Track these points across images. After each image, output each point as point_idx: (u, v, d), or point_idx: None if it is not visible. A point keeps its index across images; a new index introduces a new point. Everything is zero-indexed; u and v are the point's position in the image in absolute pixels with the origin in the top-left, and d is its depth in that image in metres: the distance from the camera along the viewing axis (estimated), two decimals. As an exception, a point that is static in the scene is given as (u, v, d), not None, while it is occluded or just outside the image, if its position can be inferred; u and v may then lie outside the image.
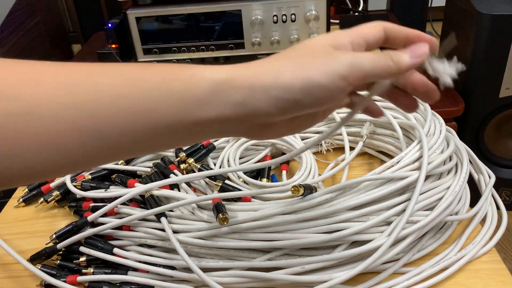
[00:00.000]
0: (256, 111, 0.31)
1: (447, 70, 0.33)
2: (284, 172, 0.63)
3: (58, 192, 0.61)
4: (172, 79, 0.30)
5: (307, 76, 0.31)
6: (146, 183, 0.55)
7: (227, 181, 0.55)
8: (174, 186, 0.56)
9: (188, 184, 0.57)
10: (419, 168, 0.49)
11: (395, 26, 0.36)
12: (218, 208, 0.47)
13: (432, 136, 0.55)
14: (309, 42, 0.34)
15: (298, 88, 0.31)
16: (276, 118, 0.32)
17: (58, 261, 0.52)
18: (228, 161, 0.62)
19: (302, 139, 0.67)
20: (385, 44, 0.37)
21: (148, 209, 0.51)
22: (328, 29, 0.99)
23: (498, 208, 0.57)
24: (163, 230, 0.49)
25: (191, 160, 0.60)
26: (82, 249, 0.51)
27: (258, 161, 0.65)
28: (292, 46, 0.34)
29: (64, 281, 0.49)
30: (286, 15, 0.96)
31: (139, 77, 0.30)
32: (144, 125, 0.29)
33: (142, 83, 0.29)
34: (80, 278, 0.49)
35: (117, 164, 0.63)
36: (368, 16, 1.27)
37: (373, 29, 0.35)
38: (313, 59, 0.32)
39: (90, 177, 0.61)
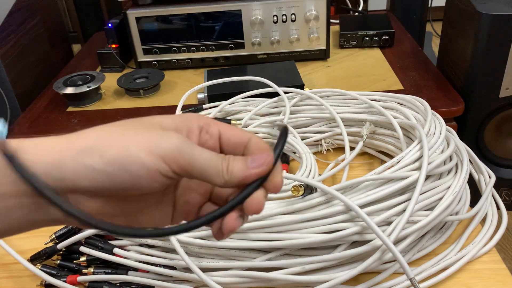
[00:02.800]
0: (64, 182, 0.26)
1: None
2: (284, 172, 0.63)
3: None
4: None
5: (125, 146, 0.27)
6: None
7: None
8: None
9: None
10: (419, 168, 0.49)
11: (261, 145, 0.31)
12: (218, 208, 0.47)
13: (432, 136, 0.55)
14: (151, 117, 0.30)
15: (114, 159, 0.26)
16: (92, 193, 0.27)
17: (58, 261, 0.52)
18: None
19: (303, 139, 0.67)
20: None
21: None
22: (328, 29, 0.99)
23: (498, 208, 0.57)
24: (163, 230, 0.49)
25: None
26: (82, 249, 0.51)
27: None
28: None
29: (64, 281, 0.49)
30: (286, 15, 0.96)
31: None
32: None
33: None
34: (80, 278, 0.49)
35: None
36: (368, 16, 1.27)
37: (238, 132, 0.31)
38: (140, 131, 0.28)
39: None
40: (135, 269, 0.50)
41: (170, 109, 0.87)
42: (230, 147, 0.31)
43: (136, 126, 0.29)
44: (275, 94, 0.71)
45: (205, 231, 0.48)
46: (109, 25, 1.04)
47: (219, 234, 0.31)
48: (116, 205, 0.29)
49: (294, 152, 0.65)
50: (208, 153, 0.28)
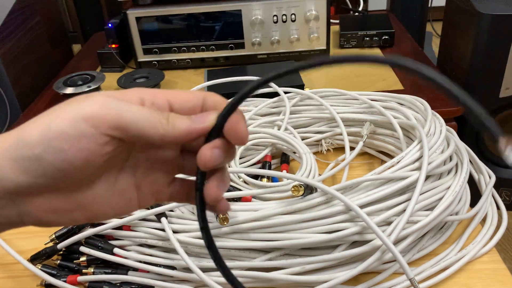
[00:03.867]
0: (2, 183, 0.25)
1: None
2: (284, 172, 0.63)
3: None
4: None
5: (47, 123, 0.25)
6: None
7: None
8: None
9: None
10: (419, 168, 0.49)
11: (216, 99, 0.29)
12: (218, 208, 0.47)
13: (433, 136, 0.55)
14: (87, 94, 0.27)
15: (36, 141, 0.24)
16: (33, 189, 0.26)
17: (58, 261, 0.52)
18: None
19: (303, 139, 0.67)
20: None
21: (148, 209, 0.51)
22: (328, 29, 0.99)
23: (498, 208, 0.57)
24: (163, 230, 0.49)
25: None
26: (83, 249, 0.51)
27: (259, 161, 0.65)
28: None
29: (65, 281, 0.49)
30: (286, 15, 0.96)
31: None
32: None
33: None
34: (80, 278, 0.49)
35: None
36: (368, 16, 1.27)
37: (190, 95, 0.29)
38: (67, 106, 0.26)
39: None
40: (135, 269, 0.50)
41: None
42: (186, 114, 0.28)
43: (64, 104, 0.26)
44: (275, 94, 0.71)
45: (205, 231, 0.48)
46: (109, 25, 1.04)
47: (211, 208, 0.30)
48: (67, 198, 0.27)
49: (294, 152, 0.65)
50: (139, 107, 0.26)
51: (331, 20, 1.02)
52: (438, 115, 0.60)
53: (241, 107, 0.70)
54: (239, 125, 0.27)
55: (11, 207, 0.26)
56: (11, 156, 0.25)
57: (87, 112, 0.25)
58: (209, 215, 0.49)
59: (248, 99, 0.74)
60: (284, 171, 0.63)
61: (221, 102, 0.29)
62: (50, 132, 0.24)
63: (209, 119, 0.27)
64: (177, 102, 0.28)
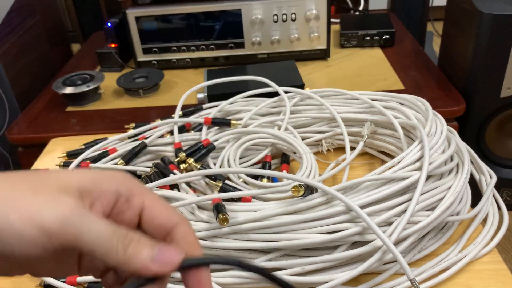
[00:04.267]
0: None
1: None
2: (284, 172, 0.63)
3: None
4: None
5: (4, 212, 0.24)
6: (146, 183, 0.54)
7: (227, 181, 0.55)
8: (174, 186, 0.55)
9: (188, 184, 0.57)
10: (420, 168, 0.49)
11: (187, 232, 0.27)
12: (218, 209, 0.47)
13: (433, 136, 0.55)
14: (52, 172, 0.27)
15: None
16: None
17: (57, 262, 0.52)
18: (228, 161, 0.62)
19: (303, 139, 0.67)
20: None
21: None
22: (328, 29, 0.99)
23: (499, 208, 0.57)
24: (162, 230, 0.49)
25: (191, 160, 0.60)
26: (81, 249, 0.51)
27: (259, 161, 0.65)
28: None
29: (64, 281, 0.49)
30: (286, 15, 0.96)
31: None
32: None
33: None
34: (79, 279, 0.49)
35: (116, 164, 0.63)
36: (369, 15, 1.27)
37: (166, 212, 0.28)
38: (28, 192, 0.25)
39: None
40: (134, 270, 0.49)
41: (170, 109, 0.87)
42: (151, 228, 0.27)
43: (26, 184, 0.25)
44: (275, 94, 0.71)
45: (205, 231, 0.48)
46: (109, 24, 1.04)
47: None
48: (5, 262, 0.25)
49: (294, 152, 0.65)
50: (100, 224, 0.24)
51: (332, 20, 1.02)
52: (439, 115, 0.60)
53: (241, 108, 0.69)
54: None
55: None
56: None
57: (47, 222, 0.24)
58: (209, 215, 0.49)
59: (248, 99, 0.74)
60: (284, 171, 0.63)
61: (190, 238, 0.27)
62: (4, 226, 0.24)
63: (172, 264, 0.25)
64: (150, 212, 0.27)
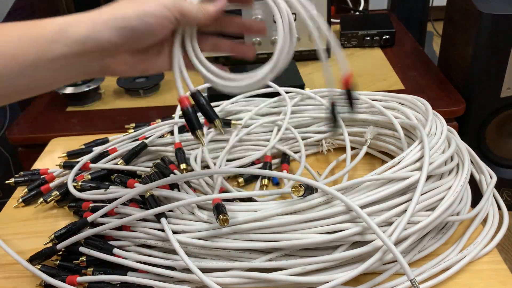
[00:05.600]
0: (100, 42, 0.37)
1: None
2: (284, 172, 0.63)
3: (57, 192, 0.60)
4: (31, 27, 0.37)
5: (140, 7, 0.38)
6: (146, 183, 0.54)
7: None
8: (174, 186, 0.55)
9: (188, 184, 0.57)
10: (420, 168, 0.49)
11: None
12: (218, 209, 0.47)
13: (434, 136, 0.55)
14: None
15: (134, 17, 0.38)
16: (121, 48, 0.39)
17: (58, 262, 0.52)
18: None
19: (303, 139, 0.67)
20: None
21: (147, 209, 0.50)
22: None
23: (499, 208, 0.57)
24: (163, 230, 0.49)
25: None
26: (82, 249, 0.51)
27: (258, 160, 0.65)
28: None
29: (64, 282, 0.49)
30: (286, 15, 0.96)
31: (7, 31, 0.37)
32: (13, 66, 0.35)
33: (9, 32, 0.36)
34: (79, 279, 0.49)
35: (116, 164, 0.63)
36: (369, 16, 1.27)
37: None
38: None
39: (90, 177, 0.61)
40: (135, 270, 0.49)
41: (170, 109, 0.86)
42: None
43: None
44: (276, 94, 0.71)
45: (205, 231, 0.48)
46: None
47: None
48: (134, 56, 0.41)
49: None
50: (193, 3, 0.41)
51: (332, 20, 1.02)
52: (439, 115, 0.60)
53: (241, 107, 0.69)
54: None
55: (98, 61, 0.39)
56: (111, 25, 0.37)
57: (168, 3, 0.39)
58: (210, 215, 0.49)
59: (249, 98, 0.74)
60: (285, 171, 0.63)
61: None
62: (142, 11, 0.38)
63: (221, 2, 0.43)
64: None
